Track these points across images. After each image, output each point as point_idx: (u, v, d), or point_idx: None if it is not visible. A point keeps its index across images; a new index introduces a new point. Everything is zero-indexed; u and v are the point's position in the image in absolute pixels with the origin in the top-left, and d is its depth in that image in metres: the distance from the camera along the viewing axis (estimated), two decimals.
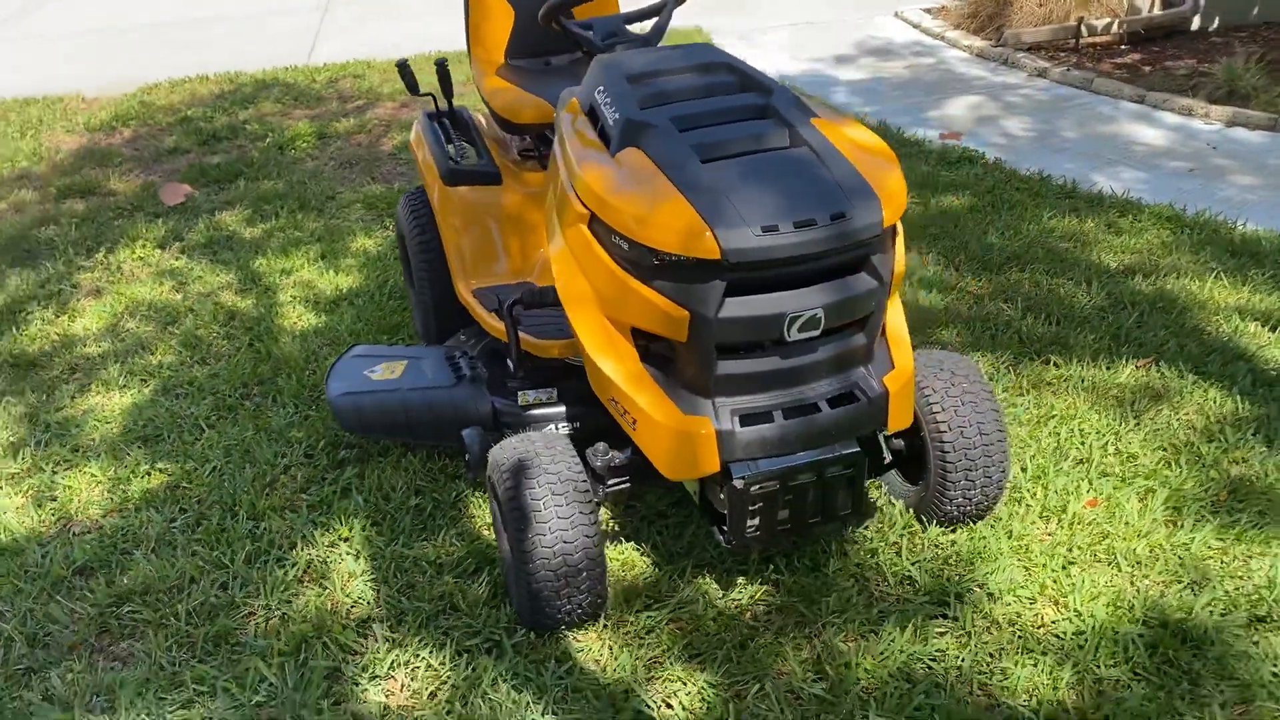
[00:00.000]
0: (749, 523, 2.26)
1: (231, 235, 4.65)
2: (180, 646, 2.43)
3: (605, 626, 2.42)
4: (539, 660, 2.35)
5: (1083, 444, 2.90)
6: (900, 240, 2.24)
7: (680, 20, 7.07)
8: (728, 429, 2.17)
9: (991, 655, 2.28)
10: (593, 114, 2.41)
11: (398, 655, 2.37)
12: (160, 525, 2.81)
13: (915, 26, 7.60)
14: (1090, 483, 2.74)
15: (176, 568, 2.65)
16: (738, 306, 2.08)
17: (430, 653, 2.37)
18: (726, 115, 2.28)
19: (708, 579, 2.53)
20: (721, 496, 2.27)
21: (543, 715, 2.21)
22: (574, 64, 3.30)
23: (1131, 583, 2.44)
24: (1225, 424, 2.94)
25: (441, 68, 3.29)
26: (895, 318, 2.36)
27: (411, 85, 3.39)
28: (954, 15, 7.50)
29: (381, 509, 2.82)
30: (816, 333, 2.11)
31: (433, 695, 2.28)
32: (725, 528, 2.28)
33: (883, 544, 2.59)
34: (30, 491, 3.02)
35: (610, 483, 2.50)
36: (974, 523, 2.61)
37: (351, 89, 6.67)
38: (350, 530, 2.75)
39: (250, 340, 3.73)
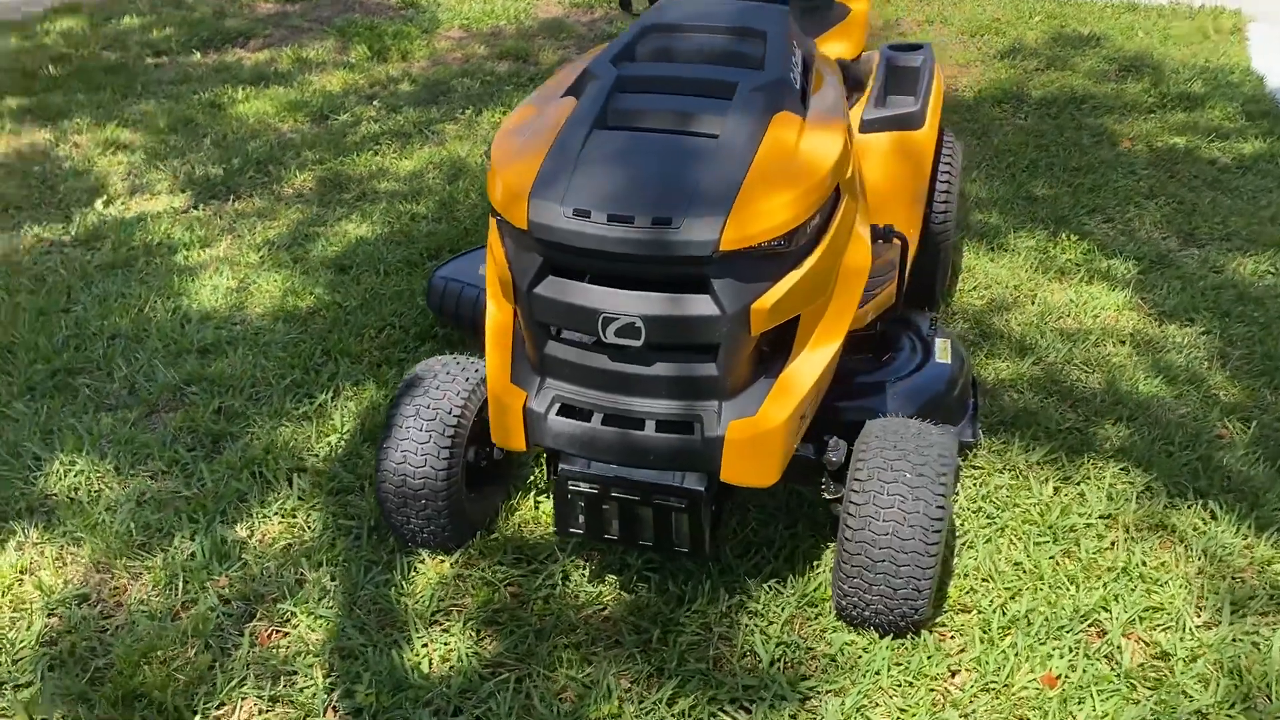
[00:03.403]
0: (575, 518, 2.12)
1: None
2: None
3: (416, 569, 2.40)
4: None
5: (1079, 593, 2.27)
6: (805, 276, 1.90)
7: None
8: (539, 411, 2.03)
9: None
10: None
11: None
12: None
13: None
14: (1062, 654, 2.15)
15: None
16: (552, 287, 1.92)
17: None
18: (684, 86, 2.07)
19: (571, 577, 2.39)
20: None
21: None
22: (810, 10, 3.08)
23: None
24: None
25: None
26: (800, 366, 2.02)
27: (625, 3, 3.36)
28: None
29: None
30: (637, 343, 1.89)
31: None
32: None
33: (766, 614, 2.26)
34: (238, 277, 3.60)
35: None
36: (877, 633, 2.19)
37: None
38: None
39: None
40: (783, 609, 2.27)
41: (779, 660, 2.16)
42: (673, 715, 2.04)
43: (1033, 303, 3.35)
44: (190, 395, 2.96)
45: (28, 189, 4.28)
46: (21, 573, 2.37)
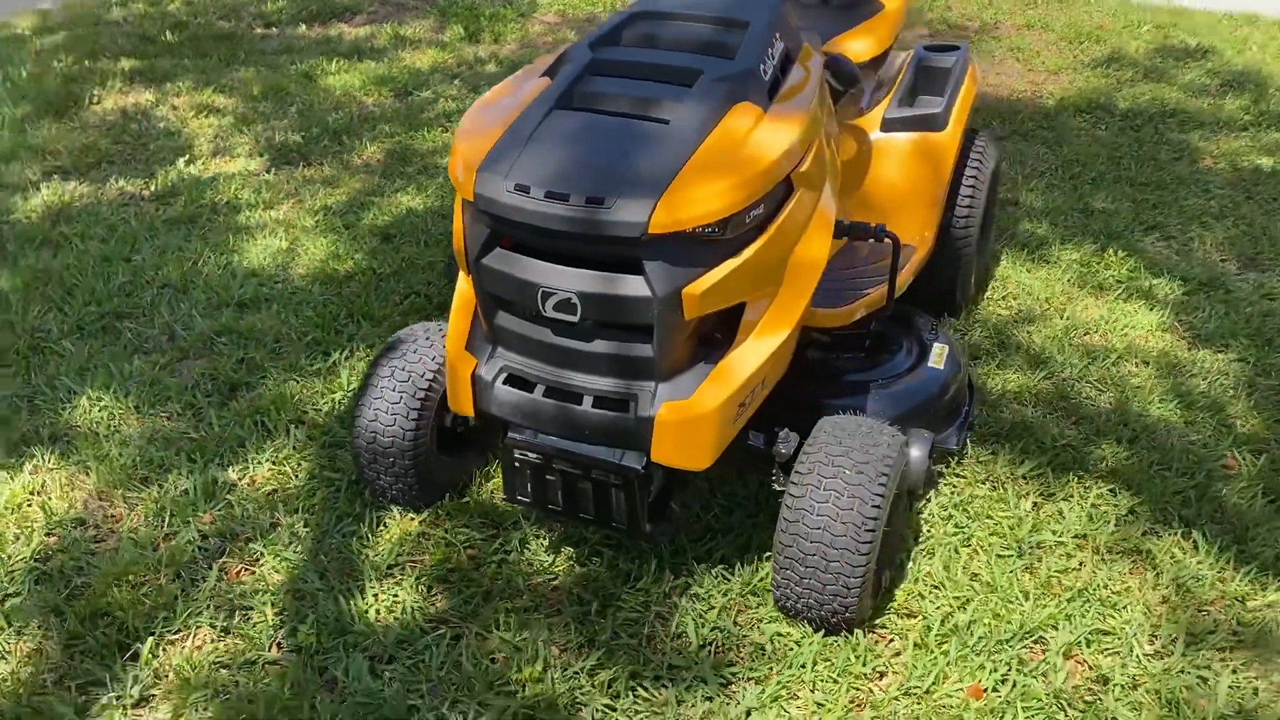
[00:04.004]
0: (522, 487, 2.19)
1: None
2: None
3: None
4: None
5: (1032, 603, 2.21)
6: (737, 269, 1.92)
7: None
8: (488, 379, 2.11)
9: None
10: None
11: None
12: None
13: None
14: (996, 668, 2.12)
15: None
16: (497, 259, 1.99)
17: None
18: (651, 71, 2.11)
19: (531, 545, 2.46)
20: None
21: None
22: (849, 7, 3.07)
23: None
24: None
25: None
26: (742, 354, 2.04)
27: None
28: None
29: None
30: (574, 318, 1.94)
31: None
32: None
33: (708, 599, 2.29)
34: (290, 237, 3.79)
35: None
36: (810, 627, 2.19)
37: None
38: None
39: None
40: (725, 595, 2.29)
41: (709, 644, 2.19)
42: (593, 684, 2.10)
43: (1061, 317, 3.26)
44: (219, 345, 3.14)
45: (122, 145, 4.57)
46: (31, 494, 2.57)
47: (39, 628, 2.21)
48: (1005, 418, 2.82)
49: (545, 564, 2.38)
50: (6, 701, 2.05)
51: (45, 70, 5.36)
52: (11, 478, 2.61)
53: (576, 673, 2.12)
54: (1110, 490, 2.57)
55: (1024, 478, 2.62)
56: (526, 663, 2.13)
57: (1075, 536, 2.44)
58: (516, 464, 2.16)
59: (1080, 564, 2.37)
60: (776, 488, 2.29)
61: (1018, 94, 5.02)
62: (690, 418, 1.98)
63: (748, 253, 1.96)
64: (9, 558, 2.38)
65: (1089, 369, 3.02)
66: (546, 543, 2.42)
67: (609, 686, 2.10)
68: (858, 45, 2.85)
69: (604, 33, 2.25)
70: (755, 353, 2.06)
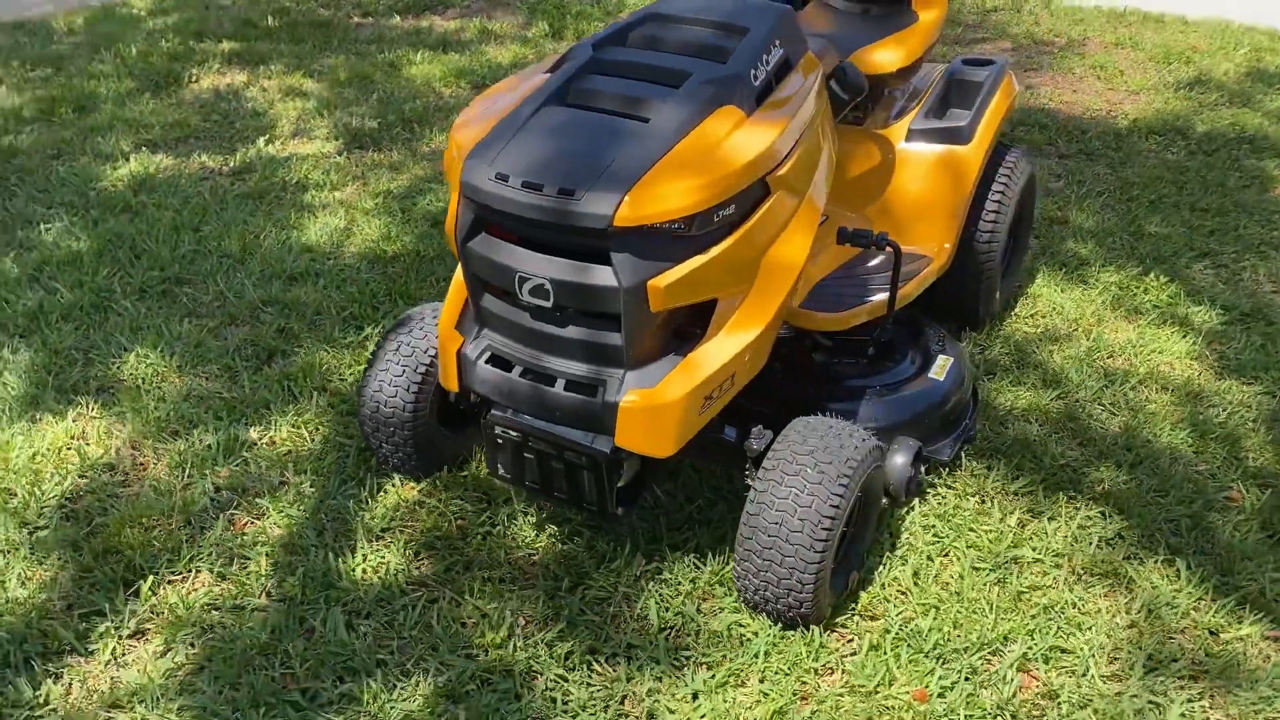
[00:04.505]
0: (502, 462, 2.30)
1: None
2: None
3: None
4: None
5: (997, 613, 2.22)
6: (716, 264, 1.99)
7: None
8: (471, 358, 2.22)
9: None
10: None
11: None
12: None
13: None
14: (946, 675, 2.14)
15: None
16: (480, 244, 2.10)
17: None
18: (644, 72, 2.20)
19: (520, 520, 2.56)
20: None
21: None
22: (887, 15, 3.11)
23: None
24: None
25: None
26: (710, 349, 2.10)
27: None
28: None
29: None
30: (547, 304, 2.04)
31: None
32: None
33: (675, 585, 2.36)
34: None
35: None
36: (769, 619, 2.24)
37: None
38: None
39: None
40: (693, 583, 2.36)
41: (669, 627, 2.27)
42: (550, 655, 2.19)
43: (1087, 338, 3.23)
44: (265, 314, 3.33)
45: (211, 122, 4.83)
46: (72, 439, 2.78)
47: (58, 559, 2.40)
48: (1008, 434, 2.82)
49: (528, 539, 2.48)
50: (18, 622, 2.24)
51: (153, 49, 5.69)
52: (57, 422, 2.83)
53: (537, 643, 2.22)
54: (1100, 512, 2.56)
55: (1015, 494, 2.62)
56: (491, 629, 2.24)
57: (1054, 554, 2.44)
58: (497, 440, 2.27)
59: (1054, 581, 2.37)
60: (749, 482, 2.35)
61: (1091, 112, 4.94)
62: (654, 406, 2.06)
63: (716, 250, 2.03)
64: (43, 495, 2.59)
65: (1104, 392, 2.99)
66: (534, 520, 2.53)
67: (566, 658, 2.19)
68: (885, 55, 2.88)
69: (611, 33, 2.34)
70: (724, 348, 2.12)
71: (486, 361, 2.21)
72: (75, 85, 5.20)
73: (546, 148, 2.03)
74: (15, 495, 2.57)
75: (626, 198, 1.92)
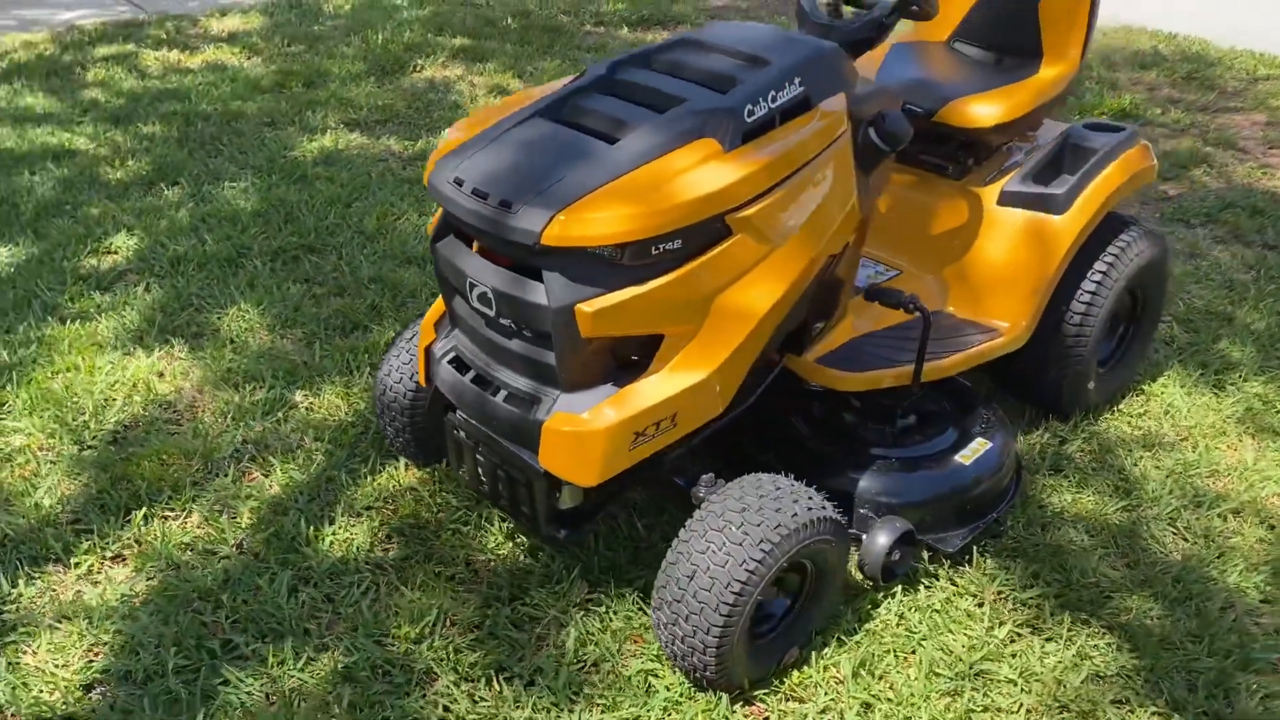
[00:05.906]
0: (458, 462, 2.33)
1: None
2: None
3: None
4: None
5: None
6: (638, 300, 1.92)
7: None
8: (437, 355, 2.25)
9: None
10: None
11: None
12: None
13: None
14: None
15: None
16: (445, 246, 2.13)
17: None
18: (641, 94, 2.16)
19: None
20: None
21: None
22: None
23: None
24: None
25: None
26: (648, 385, 2.03)
27: None
28: None
29: None
30: (491, 312, 2.04)
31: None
32: None
33: (606, 620, 2.30)
34: None
35: None
36: (684, 676, 2.13)
37: None
38: None
39: None
40: (626, 622, 2.29)
41: (583, 660, 2.21)
42: (456, 658, 2.19)
43: (1193, 450, 2.84)
44: (367, 290, 3.52)
45: (413, 110, 5.16)
46: (151, 374, 3.06)
47: (85, 478, 2.65)
48: (1043, 538, 2.53)
49: (492, 545, 2.49)
50: (27, 526, 2.50)
51: (395, 38, 6.14)
52: (145, 357, 3.12)
53: (448, 642, 2.22)
54: (1109, 643, 2.25)
55: (1021, 603, 2.35)
56: (412, 622, 2.26)
57: (1030, 677, 2.17)
58: (452, 440, 2.29)
59: (1014, 708, 2.11)
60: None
61: None
62: (575, 432, 2.01)
63: (655, 283, 1.95)
64: (104, 419, 2.87)
65: (1183, 513, 2.62)
66: (507, 528, 2.53)
67: (470, 667, 2.18)
68: (983, 109, 2.66)
69: (638, 53, 2.30)
70: (662, 386, 2.04)
71: (449, 362, 2.24)
72: (313, 63, 5.69)
73: (506, 159, 2.03)
74: (83, 414, 2.87)
75: (560, 216, 1.89)
